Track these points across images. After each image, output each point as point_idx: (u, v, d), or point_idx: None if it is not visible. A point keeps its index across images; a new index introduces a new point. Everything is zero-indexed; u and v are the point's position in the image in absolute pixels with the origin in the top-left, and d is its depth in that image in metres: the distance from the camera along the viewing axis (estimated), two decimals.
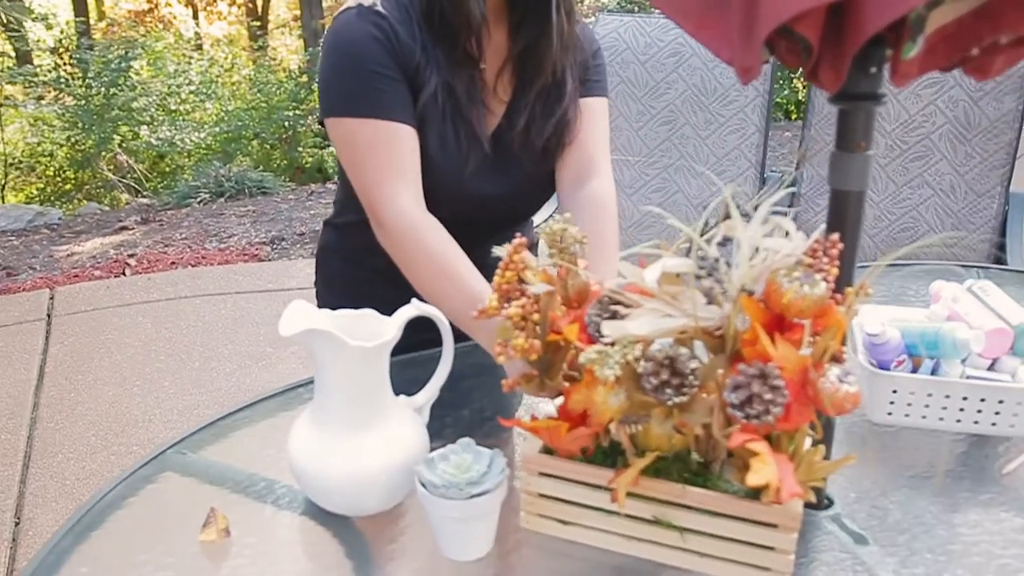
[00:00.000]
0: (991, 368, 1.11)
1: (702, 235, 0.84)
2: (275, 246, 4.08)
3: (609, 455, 0.89)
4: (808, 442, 0.84)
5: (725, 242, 0.83)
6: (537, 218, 1.67)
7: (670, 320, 0.77)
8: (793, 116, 7.33)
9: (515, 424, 0.88)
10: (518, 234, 0.86)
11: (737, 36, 0.77)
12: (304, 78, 9.05)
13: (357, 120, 1.13)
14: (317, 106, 6.34)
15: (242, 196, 5.81)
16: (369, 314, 0.96)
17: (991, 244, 1.94)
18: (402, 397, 0.98)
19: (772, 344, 0.75)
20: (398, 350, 0.98)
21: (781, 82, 6.88)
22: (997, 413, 1.07)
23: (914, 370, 1.11)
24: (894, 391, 1.08)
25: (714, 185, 2.10)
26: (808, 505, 0.96)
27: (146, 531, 0.93)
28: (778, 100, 6.91)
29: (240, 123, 8.35)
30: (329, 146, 8.17)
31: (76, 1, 11.60)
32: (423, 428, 0.97)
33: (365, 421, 0.91)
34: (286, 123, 8.35)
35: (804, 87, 6.29)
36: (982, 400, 1.06)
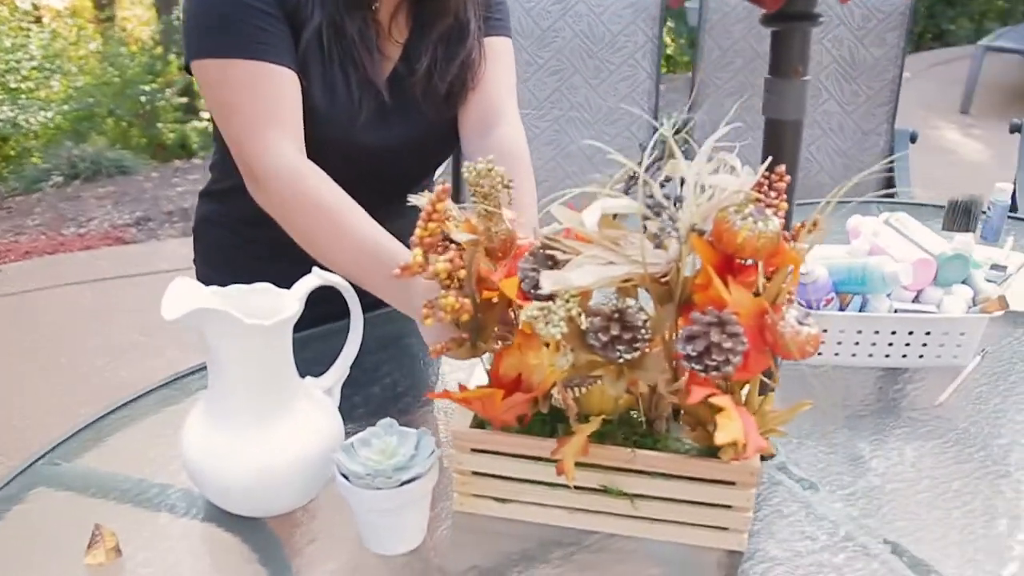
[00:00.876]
0: (915, 300, 1.09)
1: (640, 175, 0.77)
2: (141, 227, 3.80)
3: (548, 422, 0.81)
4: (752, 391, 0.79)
5: (664, 183, 0.76)
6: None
7: (613, 268, 0.70)
8: (682, 68, 7.37)
9: (444, 396, 0.79)
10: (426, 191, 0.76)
11: None
12: (159, 49, 8.49)
13: (228, 61, 0.99)
14: (176, 79, 5.89)
15: (100, 177, 5.39)
16: (264, 288, 0.84)
17: (879, 180, 1.97)
18: (308, 379, 0.87)
19: (726, 288, 0.68)
20: (297, 327, 0.87)
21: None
22: (924, 345, 1.05)
23: (842, 308, 1.08)
24: (824, 331, 1.04)
25: (607, 135, 2.05)
26: None
27: (19, 561, 0.79)
28: (668, 53, 6.89)
29: (91, 100, 7.76)
30: (192, 120, 7.72)
31: None
32: (335, 412, 0.86)
33: (270, 409, 0.80)
34: (143, 98, 7.83)
35: (691, 35, 6.20)
36: (910, 333, 1.04)
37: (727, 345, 0.66)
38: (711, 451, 0.77)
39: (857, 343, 1.05)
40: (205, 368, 1.08)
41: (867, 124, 1.97)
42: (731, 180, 0.72)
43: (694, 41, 2.17)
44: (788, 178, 0.73)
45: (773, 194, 0.73)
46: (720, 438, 0.64)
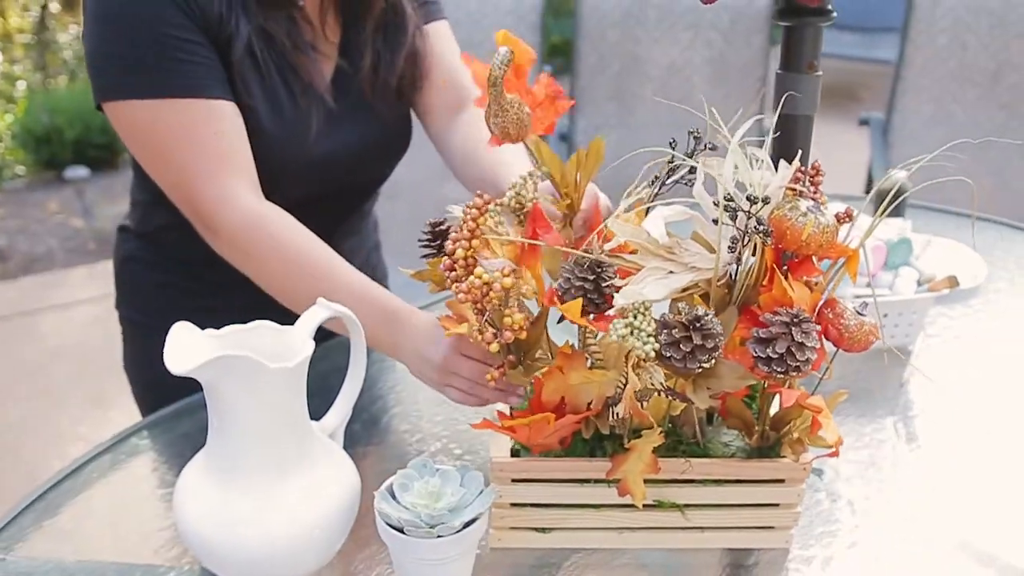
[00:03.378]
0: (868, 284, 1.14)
1: (668, 174, 0.75)
2: None
3: (586, 442, 0.77)
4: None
5: (689, 183, 0.74)
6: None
7: (676, 277, 0.67)
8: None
9: (487, 426, 0.73)
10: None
11: None
12: None
13: (158, 102, 0.87)
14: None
15: None
16: (262, 327, 0.74)
17: None
18: (312, 424, 0.78)
19: (791, 286, 0.67)
20: None
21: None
22: (882, 327, 1.10)
23: None
24: None
25: None
26: None
27: None
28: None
29: None
30: None
31: None
32: (349, 459, 0.77)
33: (289, 462, 0.71)
34: None
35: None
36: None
37: (808, 343, 0.65)
38: (761, 451, 0.77)
39: None
40: (137, 426, 0.95)
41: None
42: (767, 176, 0.72)
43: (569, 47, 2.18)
44: (825, 172, 0.73)
45: (813, 189, 0.73)
46: (828, 438, 0.63)
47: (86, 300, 2.90)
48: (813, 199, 0.72)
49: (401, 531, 0.68)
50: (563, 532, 0.78)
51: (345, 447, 0.80)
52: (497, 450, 0.77)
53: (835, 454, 0.69)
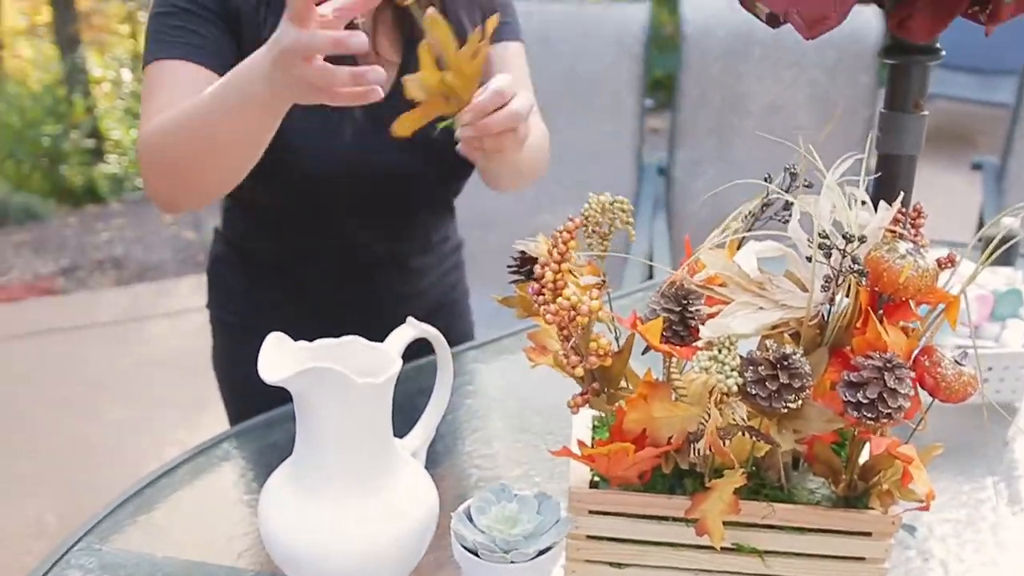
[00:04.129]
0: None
1: (762, 209, 0.74)
2: (70, 277, 3.57)
3: (666, 478, 0.76)
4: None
5: (784, 220, 0.73)
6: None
7: (765, 314, 0.66)
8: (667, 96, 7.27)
9: (565, 454, 0.73)
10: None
11: None
12: (62, 91, 8.14)
13: (153, 64, 0.94)
14: (84, 120, 5.56)
15: (8, 223, 5.07)
16: (352, 342, 0.77)
17: None
18: (396, 441, 0.80)
19: (885, 330, 0.65)
20: None
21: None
22: (986, 380, 1.05)
23: None
24: None
25: (591, 175, 2.03)
26: None
27: None
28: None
29: None
30: (99, 164, 7.40)
31: None
32: (429, 479, 0.79)
33: (371, 478, 0.72)
34: (45, 140, 7.45)
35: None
36: None
37: (901, 390, 0.62)
38: (847, 500, 0.74)
39: None
40: (229, 433, 0.99)
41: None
42: (866, 216, 0.70)
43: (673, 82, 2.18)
44: (927, 214, 0.71)
45: (913, 231, 0.70)
46: (919, 489, 0.60)
47: (193, 309, 3.03)
48: (913, 242, 0.69)
49: (476, 554, 0.68)
50: (639, 569, 0.77)
51: (426, 467, 0.82)
52: (576, 480, 0.76)
53: (926, 508, 0.66)
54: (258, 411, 1.01)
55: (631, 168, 2.06)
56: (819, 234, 0.62)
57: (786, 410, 0.64)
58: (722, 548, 0.75)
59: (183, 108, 0.86)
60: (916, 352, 0.67)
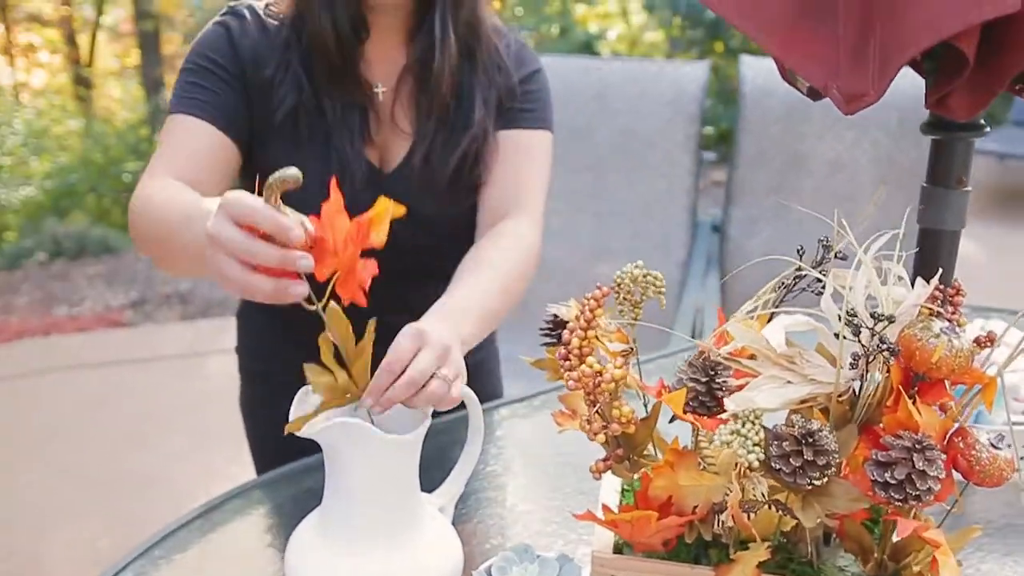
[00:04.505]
0: None
1: (795, 281, 0.73)
2: (137, 310, 3.70)
3: (691, 547, 0.75)
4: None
5: (818, 292, 0.72)
6: None
7: (792, 388, 0.65)
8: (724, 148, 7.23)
9: (589, 518, 0.73)
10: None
11: (846, 56, 0.67)
12: (145, 130, 8.51)
13: (169, 117, 0.98)
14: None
15: (86, 255, 5.30)
16: None
17: None
18: (424, 495, 0.81)
19: (917, 410, 0.64)
20: None
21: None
22: None
23: None
24: None
25: (645, 232, 2.03)
26: None
27: None
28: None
29: (74, 177, 7.71)
30: None
31: None
32: (455, 535, 0.79)
33: (396, 532, 0.73)
34: (126, 177, 7.79)
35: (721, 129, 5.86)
36: None
37: (931, 472, 0.61)
38: None
39: None
40: (265, 479, 1.01)
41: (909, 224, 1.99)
42: (902, 292, 0.69)
43: (731, 139, 2.18)
44: (966, 292, 0.70)
45: (950, 309, 0.69)
46: None
47: None
48: (950, 320, 0.68)
49: None
50: None
51: (454, 523, 0.82)
52: (600, 544, 0.76)
53: None
54: (284, 458, 1.02)
55: (685, 224, 2.05)
56: (848, 312, 0.62)
57: (810, 487, 0.63)
58: None
59: (164, 200, 0.86)
60: (951, 433, 0.66)
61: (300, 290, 0.66)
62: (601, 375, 0.65)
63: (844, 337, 0.62)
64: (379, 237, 0.68)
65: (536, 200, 1.06)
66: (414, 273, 1.06)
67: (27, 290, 4.27)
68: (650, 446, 0.76)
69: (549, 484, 1.01)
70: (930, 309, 0.69)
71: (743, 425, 0.62)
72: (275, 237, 0.63)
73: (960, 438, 0.65)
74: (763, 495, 0.62)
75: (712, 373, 0.69)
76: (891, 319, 0.60)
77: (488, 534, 0.91)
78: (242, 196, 0.64)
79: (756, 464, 0.60)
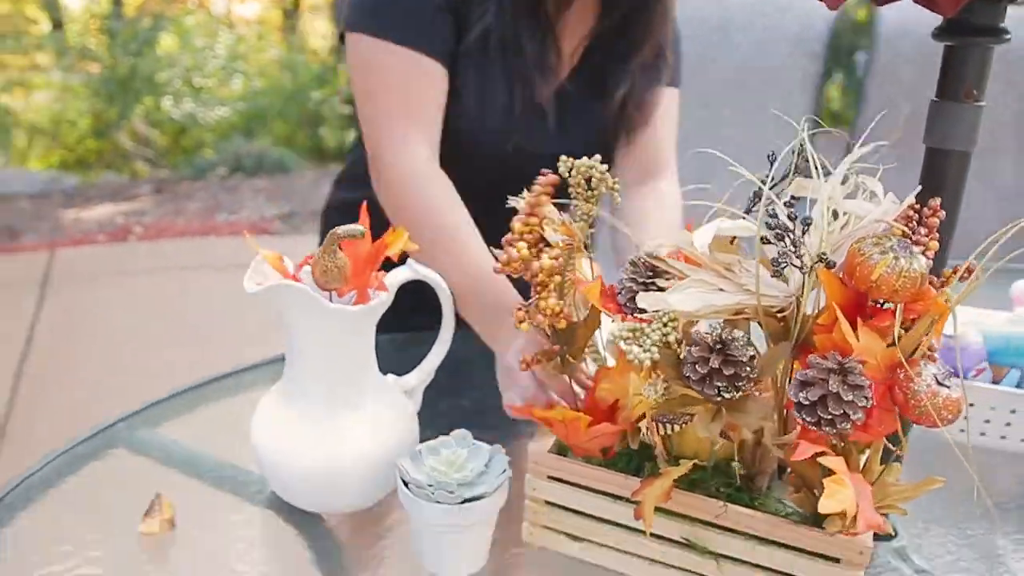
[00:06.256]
0: None
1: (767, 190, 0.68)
2: (286, 221, 3.94)
3: (634, 459, 0.73)
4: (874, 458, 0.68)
5: (791, 203, 0.67)
6: None
7: (722, 295, 0.62)
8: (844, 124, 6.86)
9: (525, 413, 0.73)
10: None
11: None
12: (331, 59, 8.91)
13: (384, 44, 0.95)
14: (344, 88, 6.05)
15: (260, 172, 5.69)
16: None
17: None
18: (391, 377, 0.83)
19: (854, 332, 0.59)
20: (392, 329, 0.83)
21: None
22: (1008, 424, 0.90)
23: (995, 381, 0.94)
24: (971, 404, 0.91)
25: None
26: None
27: (79, 516, 0.78)
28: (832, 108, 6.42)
29: (264, 101, 8.23)
30: (352, 127, 8.03)
31: None
32: (412, 414, 0.81)
33: (343, 401, 0.76)
34: (311, 104, 8.21)
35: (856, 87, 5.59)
36: None
37: (847, 397, 0.56)
38: (817, 519, 0.67)
39: (1009, 424, 0.91)
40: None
41: None
42: (870, 207, 0.63)
43: (859, 92, 2.02)
44: (943, 213, 0.63)
45: (923, 231, 0.62)
46: (825, 505, 0.55)
47: None
48: (919, 243, 0.62)
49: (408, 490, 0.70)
50: (594, 547, 0.75)
51: (420, 412, 0.84)
52: (540, 444, 0.76)
53: (848, 531, 0.58)
54: None
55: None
56: (768, 212, 0.57)
57: (719, 398, 0.60)
58: (676, 543, 0.71)
59: (430, 228, 0.90)
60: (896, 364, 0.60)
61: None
62: (527, 264, 0.64)
63: (764, 240, 0.58)
64: None
65: (675, 157, 1.10)
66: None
67: (201, 197, 4.64)
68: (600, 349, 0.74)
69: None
70: (902, 229, 0.62)
71: (655, 325, 0.59)
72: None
73: (902, 370, 0.59)
74: (656, 395, 0.59)
75: (651, 275, 0.66)
76: (808, 222, 0.56)
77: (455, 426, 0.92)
78: (554, 375, 0.74)
79: (647, 364, 0.58)
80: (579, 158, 1.02)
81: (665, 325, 0.59)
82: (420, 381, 0.85)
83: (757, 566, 0.69)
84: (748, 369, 0.59)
